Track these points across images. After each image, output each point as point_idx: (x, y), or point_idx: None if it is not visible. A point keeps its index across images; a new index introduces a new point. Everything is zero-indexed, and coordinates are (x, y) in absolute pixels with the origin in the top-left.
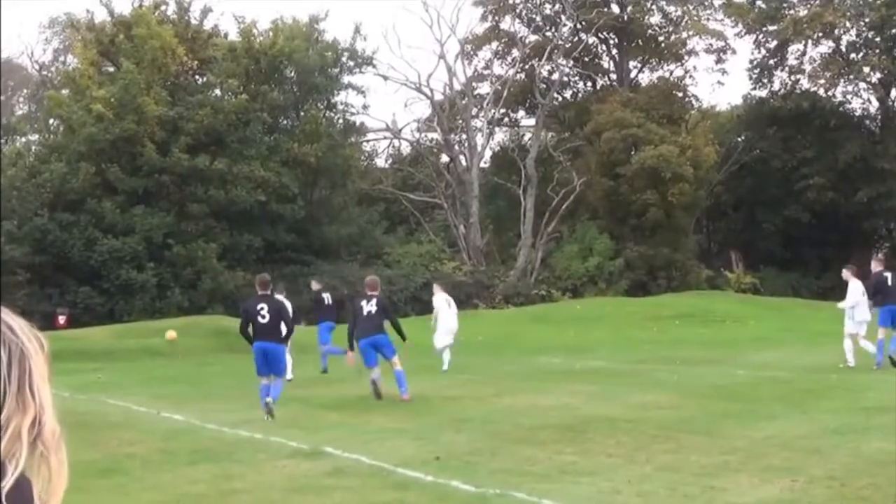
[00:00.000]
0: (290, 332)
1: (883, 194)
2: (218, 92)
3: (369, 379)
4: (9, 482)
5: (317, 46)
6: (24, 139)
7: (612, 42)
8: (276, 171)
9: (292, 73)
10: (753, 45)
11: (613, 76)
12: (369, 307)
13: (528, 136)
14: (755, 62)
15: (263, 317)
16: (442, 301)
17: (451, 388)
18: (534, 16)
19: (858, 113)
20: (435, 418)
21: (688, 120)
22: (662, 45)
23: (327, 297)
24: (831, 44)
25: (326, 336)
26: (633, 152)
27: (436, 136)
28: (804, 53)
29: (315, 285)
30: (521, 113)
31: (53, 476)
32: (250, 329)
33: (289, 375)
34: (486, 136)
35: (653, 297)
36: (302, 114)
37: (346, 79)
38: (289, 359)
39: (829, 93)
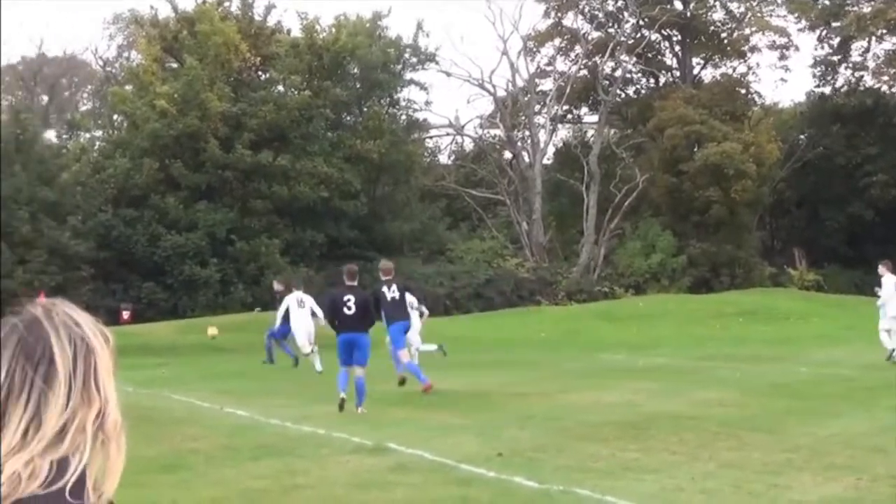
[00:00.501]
0: (371, 323)
1: None
2: (281, 88)
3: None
4: (73, 477)
5: (379, 43)
6: (88, 135)
7: (674, 38)
8: (338, 168)
9: (355, 70)
10: (817, 41)
11: (676, 73)
12: (392, 293)
13: (590, 132)
14: (818, 59)
15: (350, 308)
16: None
17: (514, 385)
18: (596, 12)
19: None
20: (498, 414)
21: (751, 117)
22: (725, 41)
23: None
24: (895, 40)
25: (276, 335)
26: (695, 149)
27: (498, 132)
28: (868, 50)
29: (277, 286)
30: (584, 109)
31: (111, 462)
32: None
33: (318, 367)
34: (548, 132)
35: (716, 294)
36: (365, 110)
37: (408, 75)
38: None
39: (893, 90)
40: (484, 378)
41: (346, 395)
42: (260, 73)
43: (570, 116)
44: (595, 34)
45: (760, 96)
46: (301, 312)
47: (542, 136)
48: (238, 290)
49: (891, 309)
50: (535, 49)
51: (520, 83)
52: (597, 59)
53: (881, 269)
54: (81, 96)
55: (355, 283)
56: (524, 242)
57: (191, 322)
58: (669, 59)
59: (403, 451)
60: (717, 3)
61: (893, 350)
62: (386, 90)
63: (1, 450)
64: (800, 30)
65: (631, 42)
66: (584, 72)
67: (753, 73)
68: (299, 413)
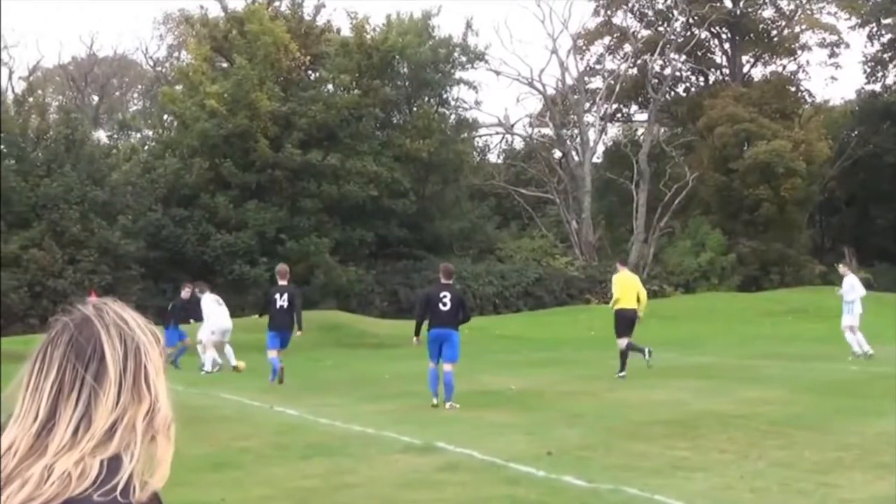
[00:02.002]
0: (466, 320)
1: None
2: (330, 87)
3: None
4: (125, 476)
5: (429, 42)
6: (138, 135)
7: (724, 37)
8: (388, 167)
9: (404, 69)
10: (867, 38)
11: (726, 71)
12: (444, 298)
13: (640, 131)
14: (869, 56)
15: (445, 304)
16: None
17: (563, 383)
18: (646, 10)
19: None
20: (547, 413)
21: (801, 115)
22: (775, 39)
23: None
24: None
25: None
26: (745, 147)
27: (548, 131)
28: None
29: (185, 292)
30: (634, 108)
31: (160, 453)
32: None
33: (207, 367)
34: (598, 131)
35: (765, 292)
36: (414, 109)
37: (458, 74)
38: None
39: None
40: (533, 377)
41: (438, 399)
42: (309, 72)
43: (619, 115)
44: (644, 32)
45: (810, 94)
46: (220, 310)
47: (592, 134)
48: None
49: (856, 307)
50: (584, 47)
51: (569, 82)
52: (646, 57)
53: (842, 269)
54: (132, 96)
55: (451, 282)
56: (574, 241)
57: (240, 321)
58: (719, 58)
59: (452, 451)
60: (767, 1)
61: (860, 350)
62: (435, 89)
63: (52, 448)
64: (850, 27)
65: (681, 40)
66: (633, 70)
67: (803, 70)
68: (348, 412)
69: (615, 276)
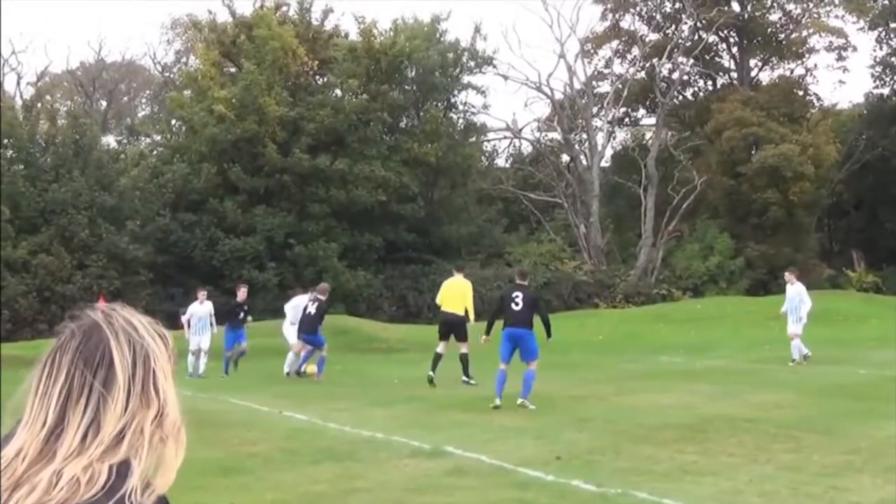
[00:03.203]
0: (545, 320)
1: None
2: (338, 92)
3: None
4: (135, 480)
5: (437, 46)
6: (146, 140)
7: (732, 40)
8: (396, 171)
9: (412, 73)
10: (875, 42)
11: (734, 75)
12: (517, 298)
13: (648, 135)
14: (877, 60)
15: (518, 304)
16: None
17: (572, 387)
18: (654, 14)
19: None
20: (556, 417)
21: (809, 118)
22: (783, 42)
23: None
24: None
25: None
26: (753, 151)
27: (556, 135)
28: None
29: (241, 294)
30: (642, 112)
31: (168, 457)
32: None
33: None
34: (606, 135)
35: (774, 296)
36: (422, 114)
37: (466, 79)
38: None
39: None
40: (542, 381)
41: (501, 401)
42: (317, 77)
43: (627, 119)
44: (652, 36)
45: (818, 98)
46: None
47: (600, 138)
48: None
49: (803, 316)
50: (592, 51)
51: (577, 86)
52: (654, 61)
53: (788, 277)
54: (140, 101)
55: (526, 283)
56: (582, 245)
57: (249, 326)
58: (727, 61)
59: (461, 455)
60: (775, 5)
61: (805, 354)
62: (443, 94)
63: (61, 454)
64: (858, 30)
65: (688, 44)
66: (641, 74)
67: (811, 74)
68: (357, 417)
69: (446, 281)
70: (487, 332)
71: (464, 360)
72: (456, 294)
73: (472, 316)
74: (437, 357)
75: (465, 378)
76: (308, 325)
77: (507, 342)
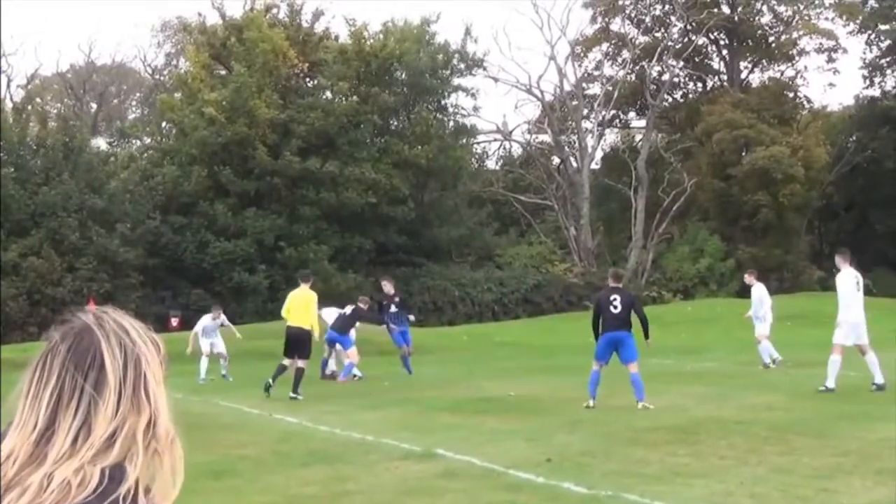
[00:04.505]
0: (644, 321)
1: None
2: (329, 94)
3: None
4: (130, 483)
5: (427, 49)
6: (136, 143)
7: (722, 43)
8: (386, 174)
9: (403, 76)
10: (865, 44)
11: (724, 77)
12: (615, 301)
13: (638, 137)
14: (867, 61)
15: (616, 307)
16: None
17: (563, 390)
18: (644, 17)
19: None
20: (547, 419)
21: (799, 120)
22: (773, 45)
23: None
24: None
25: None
26: (743, 153)
27: (546, 137)
28: None
29: (388, 287)
30: (632, 114)
31: (165, 474)
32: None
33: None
34: (596, 137)
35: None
36: (412, 116)
37: (456, 81)
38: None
39: None
40: (533, 383)
41: (595, 402)
42: (308, 79)
43: (617, 121)
44: (642, 39)
45: (809, 100)
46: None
47: (590, 140)
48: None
49: (767, 317)
50: (582, 54)
51: (567, 88)
52: (644, 63)
53: (748, 279)
54: (130, 104)
55: (620, 285)
56: (572, 247)
57: (239, 329)
58: (717, 64)
59: (452, 458)
60: (765, 7)
61: (775, 359)
62: (434, 96)
63: (51, 457)
64: (849, 33)
65: (678, 46)
66: (631, 76)
67: (801, 76)
68: (348, 419)
69: (292, 292)
70: (596, 338)
71: (298, 374)
72: (301, 306)
73: (316, 332)
74: (282, 368)
75: (293, 394)
76: (340, 324)
77: (607, 346)
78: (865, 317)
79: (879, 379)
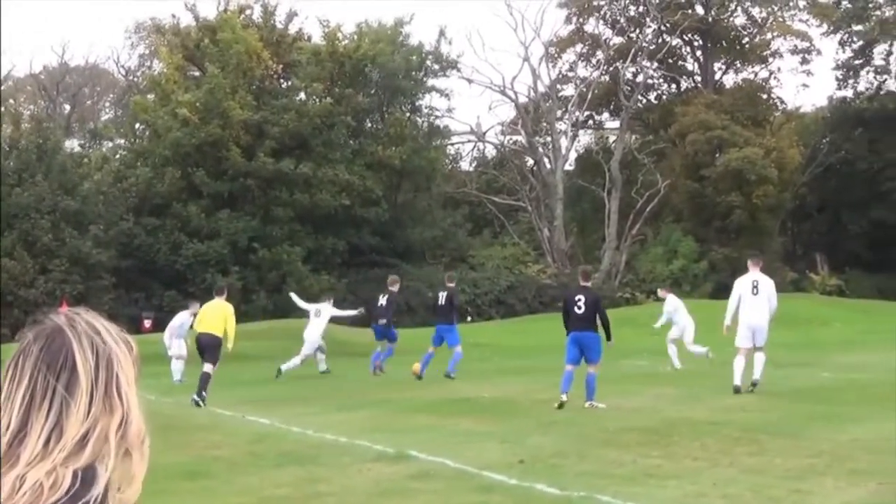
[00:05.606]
0: (605, 322)
1: None
2: (303, 96)
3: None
4: (101, 487)
5: (401, 50)
6: (110, 144)
7: (696, 44)
8: (360, 175)
9: (376, 77)
10: (839, 45)
11: (698, 78)
12: (579, 301)
13: (612, 138)
14: (840, 63)
15: (580, 307)
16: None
17: (536, 391)
18: (618, 18)
19: None
20: (521, 421)
21: (772, 122)
22: (747, 46)
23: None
24: None
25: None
26: (717, 154)
27: (520, 138)
28: (890, 53)
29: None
30: (606, 115)
31: (133, 469)
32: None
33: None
34: (570, 138)
35: None
36: (386, 117)
37: (430, 82)
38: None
39: None
40: (506, 385)
41: (567, 396)
42: (281, 80)
43: (591, 122)
44: (616, 40)
45: (782, 101)
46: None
47: (564, 142)
48: (260, 298)
49: (683, 321)
50: (556, 55)
51: (541, 89)
52: (618, 64)
53: (661, 293)
54: (103, 105)
55: (589, 284)
56: (546, 249)
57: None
58: (691, 65)
59: (425, 459)
60: (739, 8)
61: (675, 364)
62: (408, 97)
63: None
64: (822, 34)
65: (652, 47)
66: (605, 77)
67: (775, 77)
68: (321, 421)
69: (206, 304)
70: (568, 334)
71: (204, 378)
72: (213, 316)
73: (230, 342)
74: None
75: (195, 396)
76: (381, 317)
77: (573, 346)
78: (768, 319)
79: (757, 375)
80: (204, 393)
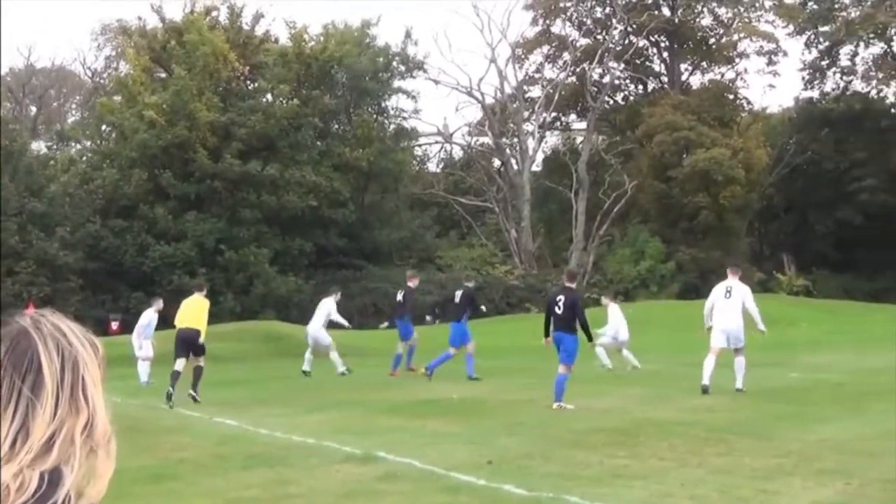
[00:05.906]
0: (583, 324)
1: None
2: (269, 97)
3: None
4: (67, 487)
5: (368, 51)
6: (76, 146)
7: (662, 45)
8: (327, 176)
9: (343, 78)
10: (805, 46)
11: (664, 79)
12: (559, 302)
13: (579, 139)
14: (806, 63)
15: (559, 308)
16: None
17: (504, 392)
18: (584, 19)
19: None
20: (488, 422)
21: (739, 122)
22: (713, 47)
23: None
24: (883, 45)
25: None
26: (684, 155)
27: (487, 140)
28: (856, 54)
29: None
30: (573, 116)
31: (98, 468)
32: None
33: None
34: (537, 139)
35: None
36: (353, 118)
37: (397, 83)
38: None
39: (882, 94)
40: (474, 386)
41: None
42: (248, 82)
43: (558, 123)
44: (583, 41)
45: (749, 102)
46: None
47: (531, 143)
48: (227, 299)
49: (622, 335)
50: (523, 56)
51: (508, 91)
52: (585, 65)
53: (604, 301)
54: (70, 107)
55: (573, 285)
56: (513, 250)
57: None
58: (657, 66)
59: (393, 460)
60: (705, 9)
61: (605, 365)
62: (374, 98)
63: None
64: (788, 35)
65: (619, 49)
66: (572, 79)
67: (741, 78)
68: (289, 422)
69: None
70: (546, 335)
71: (197, 372)
72: (193, 311)
73: (202, 335)
74: (176, 375)
75: (191, 391)
76: (399, 314)
77: (555, 345)
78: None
79: (739, 384)
80: (198, 388)
